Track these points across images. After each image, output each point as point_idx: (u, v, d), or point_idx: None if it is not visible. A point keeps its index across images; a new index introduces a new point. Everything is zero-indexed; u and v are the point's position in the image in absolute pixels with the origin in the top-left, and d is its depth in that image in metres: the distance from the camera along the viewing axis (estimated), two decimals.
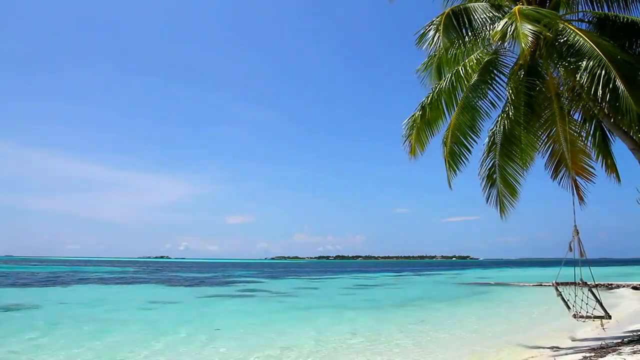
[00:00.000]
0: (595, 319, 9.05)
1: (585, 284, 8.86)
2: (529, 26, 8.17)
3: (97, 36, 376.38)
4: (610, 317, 8.87)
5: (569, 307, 9.25)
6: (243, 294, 30.64)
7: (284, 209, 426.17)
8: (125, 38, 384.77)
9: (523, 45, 7.98)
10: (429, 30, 10.23)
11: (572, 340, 11.34)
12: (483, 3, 10.35)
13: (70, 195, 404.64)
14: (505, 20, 8.63)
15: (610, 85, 7.93)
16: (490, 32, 9.66)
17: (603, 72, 8.02)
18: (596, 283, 9.37)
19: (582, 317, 9.14)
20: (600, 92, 8.01)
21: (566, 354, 9.43)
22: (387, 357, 10.32)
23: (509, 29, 8.40)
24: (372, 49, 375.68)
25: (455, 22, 9.75)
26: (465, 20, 9.84)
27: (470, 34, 9.87)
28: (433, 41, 9.98)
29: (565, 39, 8.86)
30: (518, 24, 8.18)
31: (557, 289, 9.46)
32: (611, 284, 32.89)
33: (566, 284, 9.30)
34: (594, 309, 8.93)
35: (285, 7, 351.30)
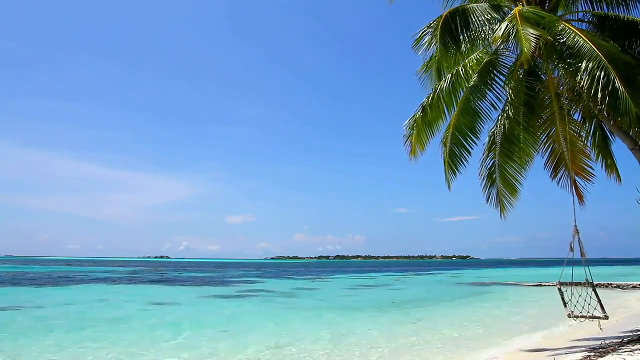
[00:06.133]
0: (592, 319, 9.04)
1: (590, 284, 8.86)
2: (531, 30, 8.15)
3: (97, 35, 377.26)
4: (607, 318, 8.85)
5: (565, 307, 9.25)
6: (244, 294, 30.65)
7: (284, 209, 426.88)
8: (126, 37, 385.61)
9: (526, 50, 7.95)
10: (426, 34, 10.24)
11: (572, 340, 11.34)
12: (482, 4, 10.34)
13: (70, 195, 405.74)
14: (506, 23, 8.61)
15: (610, 88, 7.91)
16: (490, 33, 9.66)
17: (602, 74, 7.99)
18: (597, 283, 9.37)
19: (577, 317, 9.13)
20: (600, 94, 7.99)
21: (566, 354, 9.43)
22: (387, 357, 10.32)
23: (510, 33, 8.39)
24: (373, 48, 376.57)
25: (452, 26, 9.72)
26: (463, 24, 9.82)
27: (467, 37, 9.86)
28: (429, 47, 10.00)
29: (565, 40, 8.84)
30: (519, 28, 8.16)
31: (560, 290, 9.47)
32: (620, 285, 32.85)
33: (569, 284, 9.29)
34: (595, 309, 8.91)
35: (286, 7, 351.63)
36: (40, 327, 14.99)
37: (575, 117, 11.15)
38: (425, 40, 10.15)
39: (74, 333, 13.72)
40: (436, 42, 9.62)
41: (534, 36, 8.10)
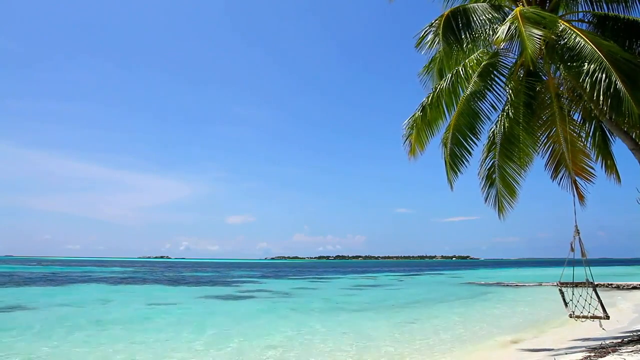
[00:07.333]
0: (593, 319, 9.05)
1: (591, 283, 8.87)
2: (535, 31, 8.14)
3: (97, 35, 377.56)
4: (608, 317, 8.86)
5: (566, 307, 9.27)
6: (244, 294, 30.64)
7: (284, 209, 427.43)
8: (126, 36, 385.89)
9: (530, 51, 7.94)
10: (428, 33, 10.25)
11: (572, 340, 11.34)
12: (483, 3, 10.34)
13: (70, 195, 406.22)
14: (507, 24, 8.59)
15: (612, 89, 7.89)
16: (491, 33, 9.65)
17: (604, 75, 7.97)
18: (597, 283, 9.39)
19: (578, 316, 9.14)
20: (602, 96, 7.98)
21: (566, 354, 9.43)
22: (387, 356, 10.32)
23: (513, 34, 8.38)
24: (373, 48, 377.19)
25: (454, 25, 9.74)
26: (465, 23, 9.83)
27: (469, 36, 9.86)
28: (432, 45, 9.99)
29: (565, 40, 8.83)
30: (522, 29, 8.16)
31: (560, 290, 9.47)
32: (620, 285, 32.81)
33: (569, 284, 9.30)
34: (596, 309, 8.92)
35: (286, 7, 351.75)
36: (44, 327, 14.96)
37: (575, 117, 11.16)
38: (428, 38, 10.17)
39: (72, 334, 13.69)
40: (439, 41, 9.62)
41: (537, 36, 8.10)
